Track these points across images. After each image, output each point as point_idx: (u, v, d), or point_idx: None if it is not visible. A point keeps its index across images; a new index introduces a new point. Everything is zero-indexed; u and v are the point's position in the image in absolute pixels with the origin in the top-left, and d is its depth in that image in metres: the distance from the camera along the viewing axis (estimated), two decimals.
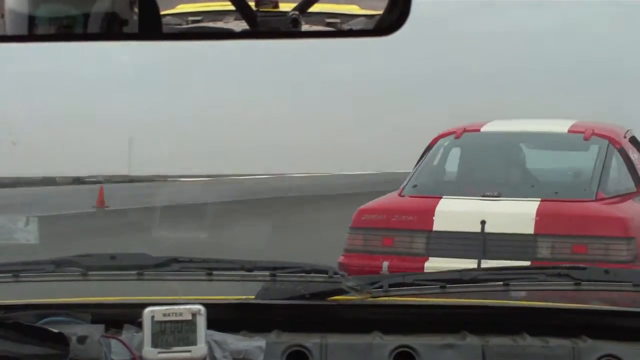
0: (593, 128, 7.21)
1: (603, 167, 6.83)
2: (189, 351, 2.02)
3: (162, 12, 1.61)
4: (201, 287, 2.52)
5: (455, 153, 7.37)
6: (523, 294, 2.51)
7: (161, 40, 1.61)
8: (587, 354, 2.16)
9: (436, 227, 6.42)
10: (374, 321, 2.32)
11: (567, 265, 2.51)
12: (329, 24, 1.69)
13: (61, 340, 2.05)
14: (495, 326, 2.30)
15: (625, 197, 6.86)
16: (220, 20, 1.69)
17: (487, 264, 5.96)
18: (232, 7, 1.60)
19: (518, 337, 2.24)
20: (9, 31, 1.58)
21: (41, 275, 2.46)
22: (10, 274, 2.44)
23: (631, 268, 5.76)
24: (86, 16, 1.56)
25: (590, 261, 5.98)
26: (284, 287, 2.46)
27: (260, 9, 1.59)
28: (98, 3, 1.56)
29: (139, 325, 2.05)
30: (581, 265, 2.52)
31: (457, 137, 7.37)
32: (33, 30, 1.58)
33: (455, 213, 6.47)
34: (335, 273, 2.44)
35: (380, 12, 1.59)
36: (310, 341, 2.18)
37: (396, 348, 2.17)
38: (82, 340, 2.07)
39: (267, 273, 2.46)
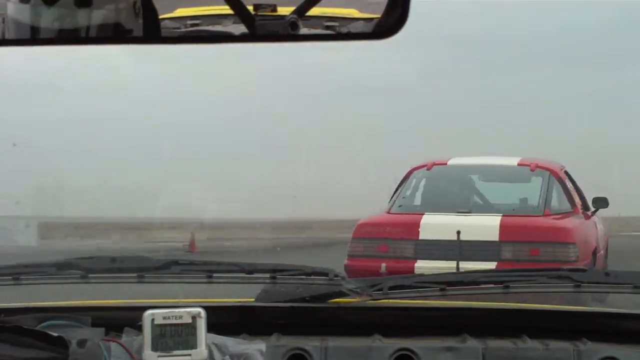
0: (537, 162, 9.39)
1: (547, 192, 8.99)
2: (189, 354, 2.02)
3: (161, 16, 1.61)
4: (201, 289, 2.52)
5: (427, 181, 9.40)
6: (523, 296, 2.51)
7: (160, 43, 1.61)
8: (588, 356, 2.15)
9: (422, 236, 8.31)
10: (374, 324, 2.32)
11: (568, 267, 2.52)
12: (327, 28, 1.68)
13: (61, 343, 2.04)
14: (496, 329, 2.29)
15: (565, 214, 9.05)
16: (219, 24, 1.69)
17: (463, 264, 7.83)
18: (231, 11, 1.60)
19: (518, 340, 2.23)
20: (12, 35, 1.58)
21: (41, 278, 2.46)
22: (10, 277, 2.45)
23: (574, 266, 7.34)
24: (87, 20, 1.57)
25: (543, 261, 7.89)
26: (284, 289, 2.46)
27: (259, 13, 1.59)
28: (97, 8, 1.56)
29: (139, 329, 2.04)
30: (580, 267, 2.52)
31: (428, 169, 9.43)
32: (35, 35, 1.58)
33: (436, 225, 8.37)
34: (336, 275, 2.44)
35: (379, 15, 1.59)
36: (311, 344, 2.18)
37: (396, 351, 2.16)
38: (82, 343, 2.07)
39: (267, 275, 2.46)
